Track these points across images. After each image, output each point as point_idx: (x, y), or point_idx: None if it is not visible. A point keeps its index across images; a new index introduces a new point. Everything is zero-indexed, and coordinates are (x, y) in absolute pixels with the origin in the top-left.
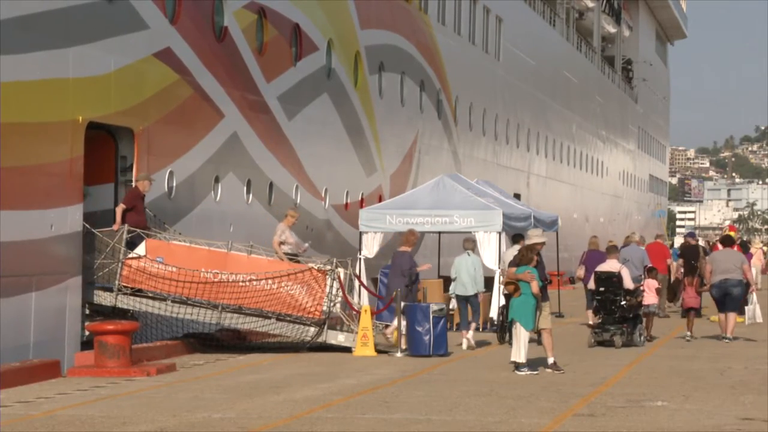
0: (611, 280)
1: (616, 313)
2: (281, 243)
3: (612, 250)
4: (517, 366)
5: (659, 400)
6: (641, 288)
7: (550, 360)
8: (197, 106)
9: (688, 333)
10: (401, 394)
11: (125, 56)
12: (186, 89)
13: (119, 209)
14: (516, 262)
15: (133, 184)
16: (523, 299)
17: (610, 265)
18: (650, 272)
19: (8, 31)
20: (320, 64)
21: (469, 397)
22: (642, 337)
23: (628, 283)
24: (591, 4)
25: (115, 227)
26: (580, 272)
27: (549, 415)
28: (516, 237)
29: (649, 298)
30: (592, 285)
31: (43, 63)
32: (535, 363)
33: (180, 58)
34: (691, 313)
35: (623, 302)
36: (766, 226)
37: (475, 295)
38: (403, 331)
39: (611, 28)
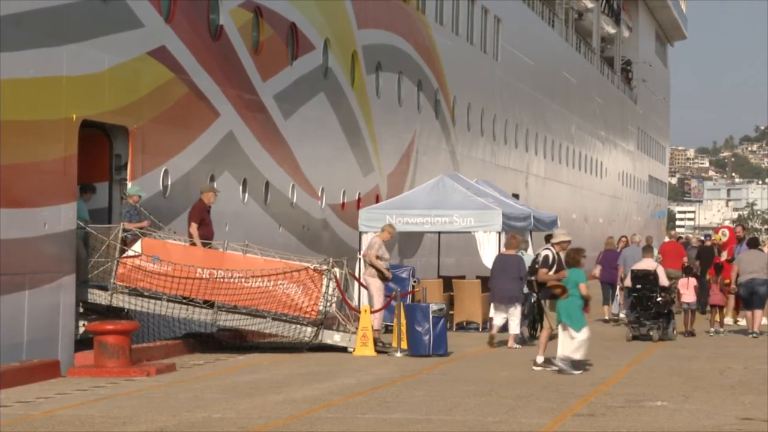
0: (647, 278)
1: (652, 309)
2: (378, 257)
3: (648, 250)
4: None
5: (659, 400)
6: (674, 286)
7: (540, 359)
8: (192, 105)
9: (712, 329)
10: (401, 394)
11: (120, 54)
12: (181, 88)
13: (193, 229)
14: (543, 263)
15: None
16: (571, 300)
17: (647, 264)
18: (688, 271)
19: (2, 29)
20: (317, 64)
21: (469, 397)
22: (674, 332)
23: (664, 281)
24: (590, 5)
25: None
26: (596, 271)
27: (549, 415)
28: (548, 237)
29: (688, 296)
30: (628, 282)
31: (37, 61)
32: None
33: (175, 57)
34: (715, 309)
35: (659, 299)
36: (766, 226)
37: (529, 293)
38: (521, 333)
39: (611, 29)
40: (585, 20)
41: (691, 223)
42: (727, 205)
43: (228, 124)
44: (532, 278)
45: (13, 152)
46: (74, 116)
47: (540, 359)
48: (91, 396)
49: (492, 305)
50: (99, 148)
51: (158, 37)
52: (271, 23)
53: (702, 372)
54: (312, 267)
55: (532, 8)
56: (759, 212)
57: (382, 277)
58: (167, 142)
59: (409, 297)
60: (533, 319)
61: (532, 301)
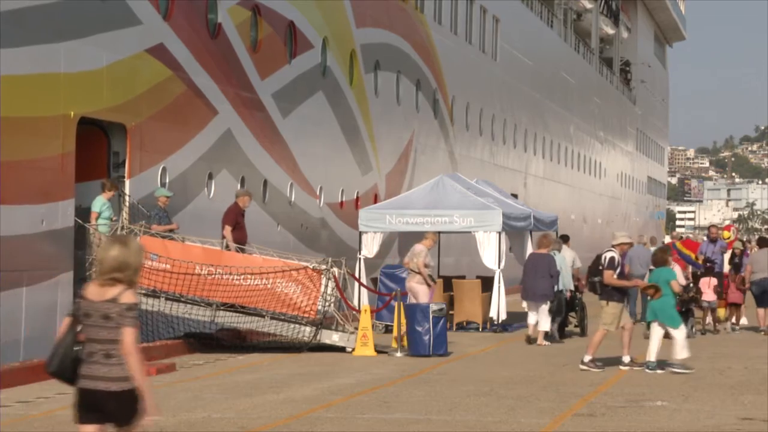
0: None
1: None
2: (425, 266)
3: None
4: (647, 365)
5: (659, 400)
6: (691, 285)
7: (626, 358)
8: (190, 103)
9: (731, 324)
10: (401, 394)
11: (118, 52)
12: (179, 85)
13: (227, 232)
14: (609, 264)
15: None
16: (665, 299)
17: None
18: (710, 271)
19: (0, 25)
20: (315, 62)
21: (469, 397)
22: (693, 330)
23: (681, 280)
24: (589, 5)
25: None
26: (626, 271)
27: (549, 415)
28: (564, 237)
29: (709, 294)
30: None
31: (35, 57)
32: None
33: (173, 55)
34: (733, 307)
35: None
36: (765, 226)
37: (560, 291)
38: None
39: (609, 30)
40: (584, 21)
41: (691, 223)
42: (727, 205)
43: (226, 122)
44: (596, 279)
45: (10, 149)
46: (72, 113)
47: (587, 358)
48: None
49: (525, 304)
50: (97, 146)
51: (156, 35)
52: (269, 21)
53: (702, 372)
54: (311, 267)
55: (530, 8)
56: (759, 212)
57: (427, 283)
58: (165, 140)
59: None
60: (564, 318)
61: (565, 299)
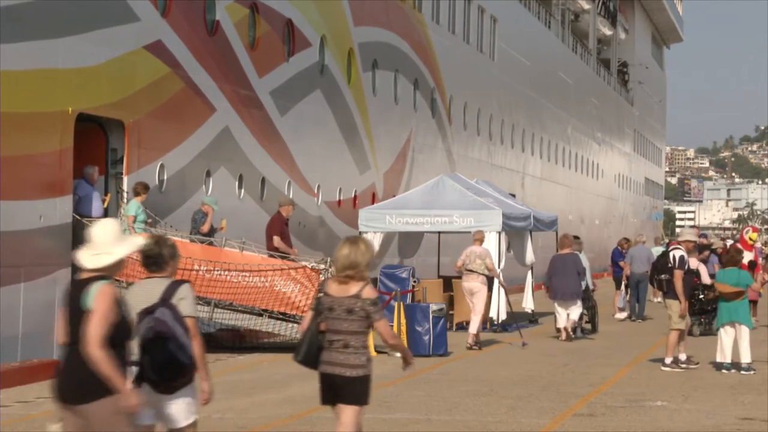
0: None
1: (695, 306)
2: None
3: (694, 252)
4: (721, 366)
5: (659, 400)
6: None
7: (683, 356)
8: (188, 100)
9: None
10: (401, 394)
11: (116, 48)
12: (177, 82)
13: (277, 242)
14: (680, 264)
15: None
16: (744, 301)
17: (690, 263)
18: (750, 267)
19: None
20: (313, 60)
21: (469, 397)
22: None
23: (706, 279)
24: (586, 6)
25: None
26: (627, 270)
27: (549, 415)
28: (576, 238)
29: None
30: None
31: (33, 53)
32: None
33: (171, 52)
34: (750, 304)
35: (701, 296)
36: (765, 226)
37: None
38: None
39: (607, 31)
40: (581, 21)
41: (691, 223)
42: (727, 205)
43: (224, 120)
44: (662, 277)
45: (8, 144)
46: (70, 109)
47: (668, 360)
48: None
49: (555, 303)
50: (95, 142)
51: (154, 32)
52: (267, 19)
53: (702, 372)
54: (309, 266)
55: (528, 9)
56: (759, 212)
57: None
58: (163, 137)
59: (409, 297)
60: (593, 314)
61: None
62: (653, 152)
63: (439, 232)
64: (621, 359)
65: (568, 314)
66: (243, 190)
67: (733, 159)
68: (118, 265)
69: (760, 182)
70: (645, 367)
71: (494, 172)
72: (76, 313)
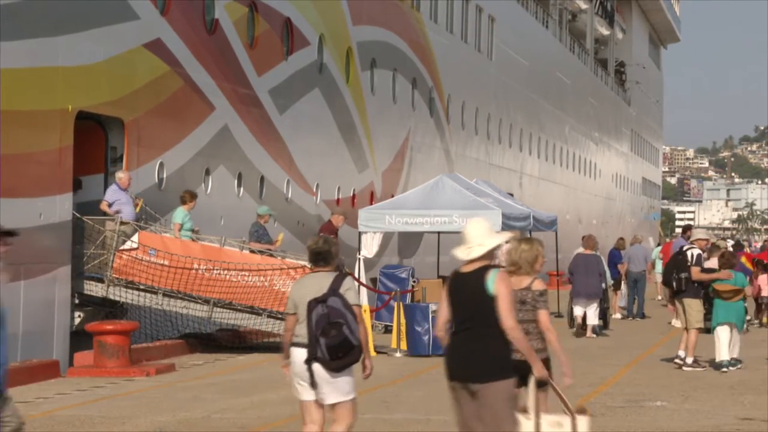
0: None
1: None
2: None
3: (714, 250)
4: (720, 365)
5: (659, 400)
6: None
7: (690, 359)
8: (188, 98)
9: (757, 320)
10: (401, 394)
11: (115, 46)
12: (176, 81)
13: None
14: (697, 261)
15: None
16: (740, 303)
17: (712, 263)
18: (765, 268)
19: None
20: (312, 59)
21: None
22: (745, 326)
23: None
24: (584, 6)
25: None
26: (624, 269)
27: None
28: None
29: (766, 290)
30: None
31: (33, 51)
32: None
33: (170, 50)
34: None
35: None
36: (765, 226)
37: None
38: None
39: (604, 31)
40: (579, 21)
41: (691, 223)
42: (726, 205)
43: (223, 118)
44: (682, 275)
45: (8, 142)
46: (70, 107)
47: (690, 360)
48: (90, 396)
49: (573, 300)
50: (95, 140)
51: (154, 30)
52: (266, 18)
53: (702, 372)
54: (309, 266)
55: (526, 8)
56: (758, 212)
57: None
58: (163, 135)
59: (409, 297)
60: (605, 311)
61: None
62: (650, 152)
63: (439, 232)
64: (620, 359)
65: (585, 312)
66: (242, 189)
67: (732, 159)
68: (489, 255)
69: (759, 182)
70: (645, 367)
71: (492, 172)
72: (469, 299)
